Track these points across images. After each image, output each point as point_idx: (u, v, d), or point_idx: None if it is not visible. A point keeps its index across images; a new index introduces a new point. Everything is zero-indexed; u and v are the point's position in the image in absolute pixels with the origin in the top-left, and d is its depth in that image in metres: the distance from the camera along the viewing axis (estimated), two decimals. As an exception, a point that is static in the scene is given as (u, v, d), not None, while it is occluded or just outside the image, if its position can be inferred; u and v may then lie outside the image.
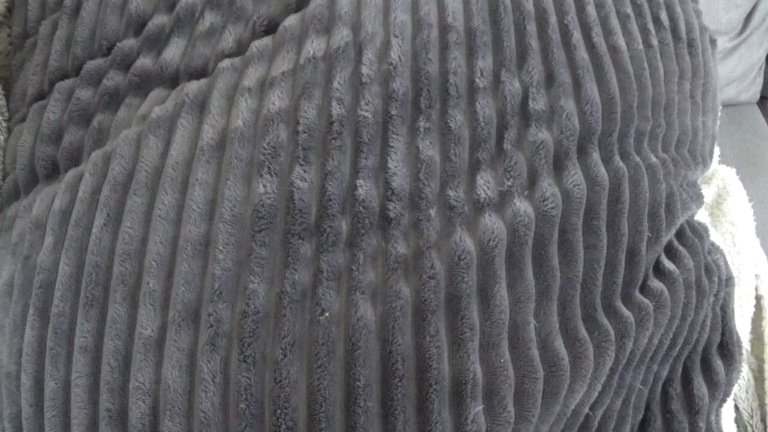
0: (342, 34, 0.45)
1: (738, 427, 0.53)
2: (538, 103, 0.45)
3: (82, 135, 0.48)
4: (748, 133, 1.19)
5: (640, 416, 0.46)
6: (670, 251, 0.47)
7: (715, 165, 0.63)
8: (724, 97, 1.16)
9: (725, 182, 0.62)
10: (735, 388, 0.51)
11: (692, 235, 0.49)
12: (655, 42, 0.51)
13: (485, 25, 0.47)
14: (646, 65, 0.49)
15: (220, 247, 0.39)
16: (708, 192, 0.61)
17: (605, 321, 0.42)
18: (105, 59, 0.50)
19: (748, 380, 0.56)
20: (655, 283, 0.45)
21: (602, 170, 0.44)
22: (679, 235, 0.49)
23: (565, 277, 0.41)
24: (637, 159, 0.46)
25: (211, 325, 0.37)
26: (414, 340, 0.38)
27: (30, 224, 0.44)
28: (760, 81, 1.24)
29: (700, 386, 0.47)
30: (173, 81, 0.48)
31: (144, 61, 0.49)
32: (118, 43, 0.50)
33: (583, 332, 0.41)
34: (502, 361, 0.38)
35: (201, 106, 0.44)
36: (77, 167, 0.46)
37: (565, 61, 0.47)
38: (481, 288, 0.39)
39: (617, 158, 0.46)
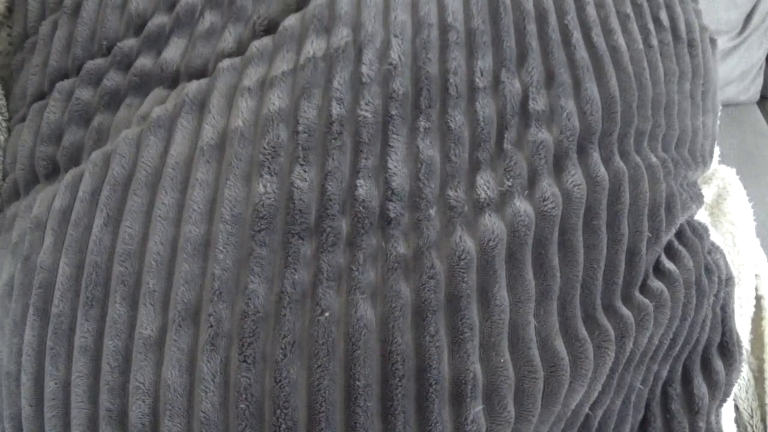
0: (342, 34, 0.45)
1: (738, 427, 0.53)
2: (538, 103, 0.45)
3: (82, 135, 0.48)
4: (748, 133, 1.19)
5: (640, 416, 0.46)
6: (670, 251, 0.47)
7: (715, 165, 0.63)
8: (724, 97, 1.16)
9: (725, 182, 0.62)
10: (735, 388, 0.51)
11: (692, 235, 0.49)
12: (655, 42, 0.51)
13: (485, 24, 0.47)
14: (646, 65, 0.49)
15: (220, 247, 0.39)
16: (708, 192, 0.61)
17: (605, 321, 0.42)
18: (105, 59, 0.50)
19: (748, 380, 0.56)
20: (655, 283, 0.45)
21: (602, 170, 0.44)
22: (679, 235, 0.49)
23: (565, 277, 0.41)
24: (637, 159, 0.46)
25: (211, 325, 0.37)
26: (414, 340, 0.38)
27: (30, 224, 0.44)
28: (760, 81, 1.24)
29: (700, 386, 0.47)
30: (173, 81, 0.48)
31: (144, 61, 0.49)
32: (118, 43, 0.50)
33: (583, 332, 0.41)
34: (502, 361, 0.38)
35: (201, 106, 0.44)
36: (77, 167, 0.46)
37: (565, 61, 0.47)
38: (481, 288, 0.39)
39: (617, 158, 0.46)
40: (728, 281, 0.50)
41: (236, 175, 0.41)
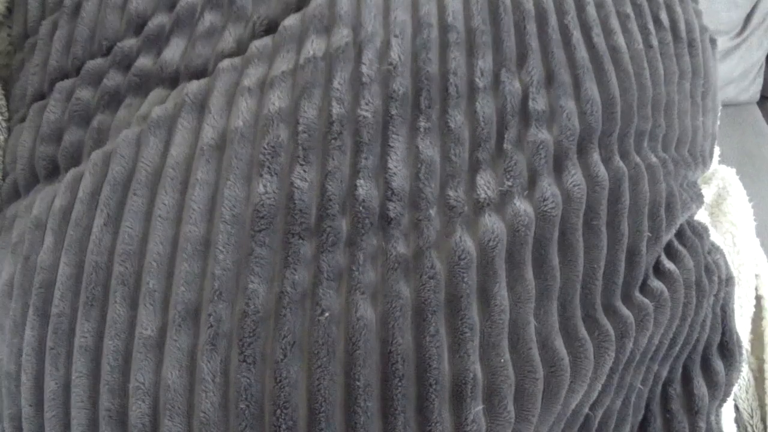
0: (342, 34, 0.45)
1: (738, 427, 0.53)
2: (538, 103, 0.45)
3: (82, 135, 0.48)
4: (748, 133, 1.19)
5: (640, 416, 0.46)
6: (670, 251, 0.47)
7: (715, 165, 0.63)
8: (724, 97, 1.17)
9: (725, 182, 0.62)
10: (735, 388, 0.51)
11: (692, 235, 0.49)
12: (655, 42, 0.51)
13: (485, 24, 0.47)
14: (646, 65, 0.49)
15: (220, 247, 0.39)
16: (708, 192, 0.61)
17: (605, 321, 0.42)
18: (105, 59, 0.50)
19: (748, 380, 0.56)
20: (655, 283, 0.45)
21: (602, 170, 0.44)
22: (679, 235, 0.49)
23: (565, 277, 0.41)
24: (637, 159, 0.46)
25: (211, 325, 0.37)
26: (414, 340, 0.38)
27: (30, 224, 0.44)
28: (760, 81, 1.24)
29: (700, 386, 0.47)
30: (173, 81, 0.48)
31: (144, 61, 0.49)
32: (118, 43, 0.50)
33: (583, 332, 0.41)
34: (502, 361, 0.38)
35: (201, 106, 0.44)
36: (77, 167, 0.46)
37: (565, 61, 0.47)
38: (481, 288, 0.39)
39: (617, 158, 0.46)
40: (728, 281, 0.50)
41: (236, 175, 0.41)
